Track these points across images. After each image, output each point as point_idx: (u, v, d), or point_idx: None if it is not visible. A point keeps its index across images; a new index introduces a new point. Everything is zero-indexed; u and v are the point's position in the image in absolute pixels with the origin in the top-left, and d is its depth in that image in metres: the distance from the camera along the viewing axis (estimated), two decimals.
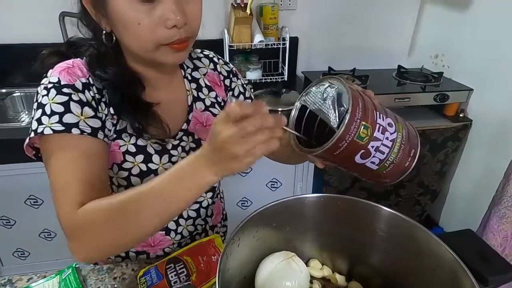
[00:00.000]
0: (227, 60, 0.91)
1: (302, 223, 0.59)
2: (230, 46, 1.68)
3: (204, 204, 0.81)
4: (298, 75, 1.99)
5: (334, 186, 1.75)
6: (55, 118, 0.56)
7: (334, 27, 1.93)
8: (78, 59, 0.64)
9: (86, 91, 0.61)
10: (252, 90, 0.81)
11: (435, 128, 1.65)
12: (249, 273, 0.55)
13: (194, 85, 0.77)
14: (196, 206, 0.79)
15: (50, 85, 0.58)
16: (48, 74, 0.60)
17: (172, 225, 0.77)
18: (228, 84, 0.82)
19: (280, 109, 1.53)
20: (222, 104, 0.81)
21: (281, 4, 1.79)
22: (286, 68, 1.78)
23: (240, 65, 1.79)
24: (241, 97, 0.84)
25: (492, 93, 1.56)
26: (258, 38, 1.68)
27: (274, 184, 1.67)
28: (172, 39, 0.57)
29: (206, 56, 0.82)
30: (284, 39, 1.72)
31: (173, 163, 0.71)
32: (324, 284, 0.60)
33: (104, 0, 0.56)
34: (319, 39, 1.95)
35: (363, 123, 0.47)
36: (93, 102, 0.61)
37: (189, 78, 0.77)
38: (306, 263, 0.61)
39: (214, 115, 0.78)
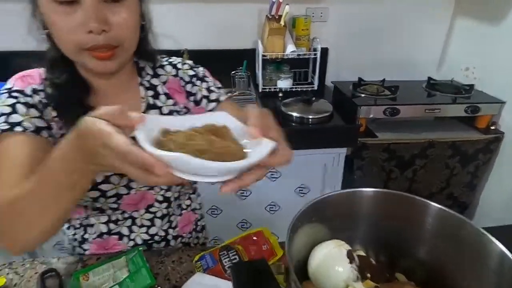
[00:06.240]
0: (198, 65, 0.83)
1: (352, 215, 0.63)
2: (263, 55, 1.75)
3: (159, 214, 0.81)
4: (327, 85, 2.03)
5: None
6: (2, 118, 0.61)
7: (364, 39, 1.98)
8: (42, 68, 0.68)
9: (35, 95, 0.66)
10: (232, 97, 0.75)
11: (466, 139, 1.65)
12: (302, 258, 0.59)
13: (151, 92, 0.76)
14: (150, 216, 0.80)
15: (3, 91, 0.64)
16: (7, 82, 0.66)
17: (125, 231, 0.79)
18: (189, 90, 0.80)
19: (311, 117, 1.58)
20: (182, 112, 0.79)
21: (313, 16, 1.85)
22: (316, 77, 1.83)
23: (271, 74, 1.86)
24: (204, 101, 0.80)
25: None
26: (290, 48, 1.74)
27: (302, 190, 1.70)
28: (89, 45, 0.58)
29: (170, 63, 0.80)
30: (315, 50, 1.77)
31: None
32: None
33: (36, 1, 0.57)
34: (349, 50, 2.00)
35: None
36: (39, 105, 0.65)
37: (147, 85, 0.76)
38: None
39: None
